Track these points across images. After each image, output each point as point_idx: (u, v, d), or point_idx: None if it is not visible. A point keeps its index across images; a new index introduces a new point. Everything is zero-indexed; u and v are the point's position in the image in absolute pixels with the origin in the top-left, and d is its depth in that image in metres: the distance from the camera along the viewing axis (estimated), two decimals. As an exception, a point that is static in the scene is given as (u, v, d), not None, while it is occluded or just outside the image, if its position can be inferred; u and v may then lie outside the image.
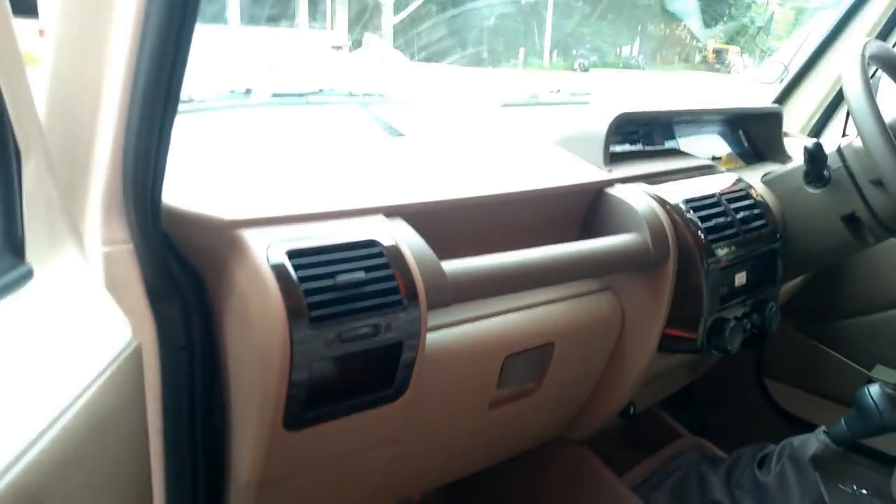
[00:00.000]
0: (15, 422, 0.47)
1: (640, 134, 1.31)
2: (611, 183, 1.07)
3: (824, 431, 1.09)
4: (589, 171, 1.09)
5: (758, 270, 1.18)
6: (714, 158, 1.49)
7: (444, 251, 0.82)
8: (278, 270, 0.68)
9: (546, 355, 0.98)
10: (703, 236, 1.04)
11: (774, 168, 1.46)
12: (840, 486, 1.80)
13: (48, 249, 0.65)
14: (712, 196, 1.13)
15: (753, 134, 1.61)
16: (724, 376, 2.01)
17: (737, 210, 1.15)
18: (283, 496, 0.79)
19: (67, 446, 0.51)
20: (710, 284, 1.04)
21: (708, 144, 1.54)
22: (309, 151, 0.99)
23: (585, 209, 1.08)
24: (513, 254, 0.86)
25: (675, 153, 1.32)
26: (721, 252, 1.07)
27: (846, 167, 1.26)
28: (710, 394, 2.08)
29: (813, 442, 1.08)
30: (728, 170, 1.50)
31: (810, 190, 1.30)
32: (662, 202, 1.05)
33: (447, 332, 0.86)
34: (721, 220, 1.09)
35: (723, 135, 1.61)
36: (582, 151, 1.13)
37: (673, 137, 1.38)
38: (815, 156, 1.24)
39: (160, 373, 0.70)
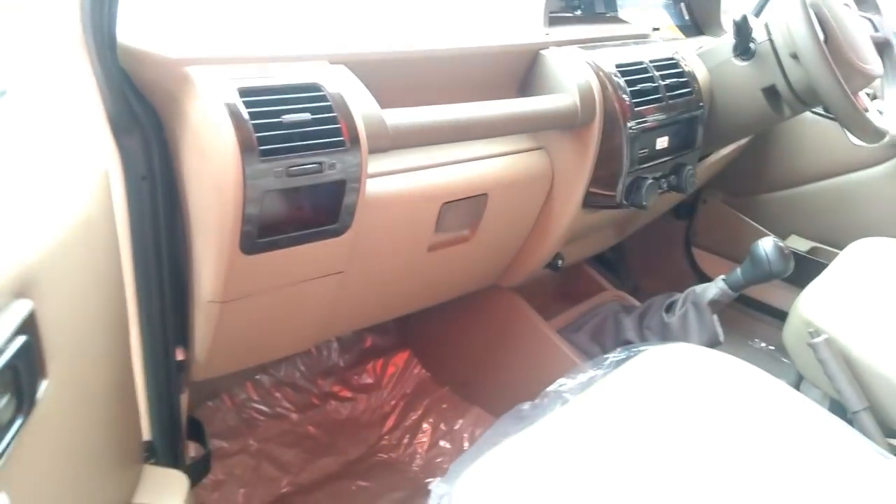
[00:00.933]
0: (8, 212, 0.54)
1: (582, 0, 1.36)
2: (546, 45, 1.14)
3: (722, 279, 1.24)
4: (527, 32, 1.15)
5: (679, 136, 1.29)
6: (654, 29, 1.55)
7: (387, 101, 0.89)
8: (230, 107, 0.74)
9: (480, 205, 1.09)
10: (627, 100, 1.13)
11: (711, 42, 1.54)
12: (749, 342, 2.04)
13: (25, 72, 0.71)
14: (641, 63, 1.20)
15: (694, 7, 1.67)
16: (655, 244, 2.18)
17: (664, 77, 1.23)
18: (241, 315, 0.90)
19: (48, 255, 0.58)
20: (630, 145, 1.14)
21: (650, 15, 1.60)
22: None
23: (523, 69, 1.15)
24: (450, 107, 0.94)
25: (615, 20, 1.38)
26: (644, 116, 1.16)
27: (770, 41, 1.34)
28: (642, 260, 2.26)
29: (712, 288, 1.24)
30: (668, 39, 1.57)
31: (736, 62, 1.39)
32: (593, 67, 1.13)
33: (389, 179, 0.95)
34: (647, 85, 1.18)
35: (665, 7, 1.67)
36: (523, 12, 1.19)
37: (614, 7, 1.43)
38: (741, 28, 1.32)
39: (126, 200, 0.78)
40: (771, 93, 1.37)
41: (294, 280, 0.91)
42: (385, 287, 1.11)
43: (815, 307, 1.20)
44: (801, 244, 1.94)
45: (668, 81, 1.23)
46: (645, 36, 1.35)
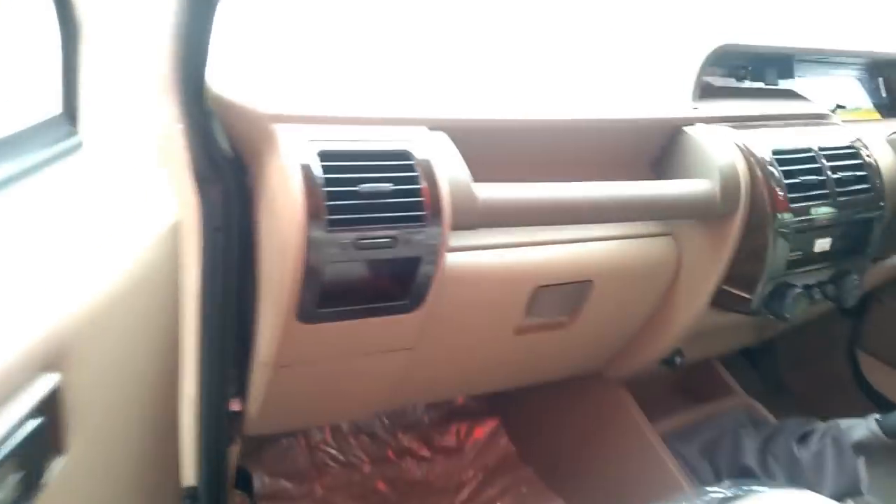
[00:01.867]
0: (51, 278, 0.53)
1: (750, 69, 1.19)
2: (691, 121, 0.99)
3: (877, 419, 1.01)
4: (672, 104, 1.01)
5: (847, 239, 1.08)
6: (838, 107, 1.33)
7: (490, 172, 0.81)
8: (305, 170, 0.70)
9: (583, 291, 0.96)
10: (781, 194, 0.95)
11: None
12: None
13: (101, 123, 0.71)
14: (807, 150, 1.01)
15: (895, 83, 1.42)
16: (813, 339, 1.88)
17: (836, 169, 1.03)
18: (296, 379, 0.85)
19: (98, 305, 0.57)
20: (777, 246, 0.96)
21: (836, 90, 1.37)
22: (370, 48, 0.99)
23: (660, 146, 1.01)
24: (553, 186, 0.83)
25: (786, 95, 1.19)
26: (803, 213, 0.98)
27: None
28: (794, 356, 1.97)
29: (861, 428, 1.01)
30: (854, 121, 1.34)
31: None
32: (744, 150, 0.96)
33: (476, 254, 0.86)
34: (811, 178, 0.99)
35: (859, 81, 1.43)
36: (672, 80, 1.05)
37: (791, 76, 1.24)
38: (950, 118, 1.08)
39: (199, 251, 0.76)
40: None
41: (356, 352, 0.85)
42: (464, 365, 1.02)
43: None
44: None
45: (840, 174, 1.03)
46: (822, 116, 1.15)
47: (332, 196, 0.70)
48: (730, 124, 1.01)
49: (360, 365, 0.88)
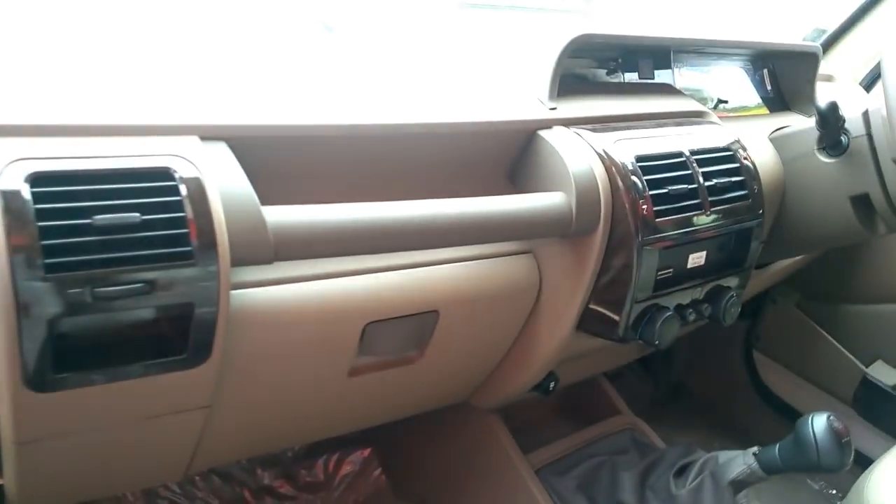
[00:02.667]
0: None
1: (622, 62, 1.08)
2: (548, 124, 0.87)
3: (755, 454, 0.92)
4: (526, 105, 0.89)
5: (723, 252, 0.98)
6: (719, 102, 1.24)
7: (294, 193, 0.66)
8: (9, 198, 0.53)
9: (428, 323, 0.83)
10: (645, 207, 0.84)
11: (799, 121, 1.22)
12: (807, 480, 1.67)
13: None
14: (677, 155, 0.91)
15: (781, 76, 1.35)
16: (710, 341, 1.83)
17: (709, 176, 0.93)
18: (57, 455, 0.68)
19: None
20: (643, 266, 0.85)
21: (719, 83, 1.29)
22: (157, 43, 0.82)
23: (515, 154, 0.89)
24: (370, 206, 0.69)
25: (661, 90, 1.08)
26: (670, 228, 0.87)
27: (869, 137, 1.02)
28: (692, 357, 1.92)
29: (739, 463, 0.92)
30: (737, 117, 1.26)
31: (821, 158, 1.07)
32: (604, 157, 0.85)
33: (283, 290, 0.71)
34: (680, 187, 0.88)
35: (744, 73, 1.35)
36: (528, 78, 0.92)
37: (668, 68, 1.14)
38: (827, 119, 1.00)
39: None
40: (862, 203, 1.05)
41: (134, 417, 0.68)
42: (289, 414, 0.87)
43: None
44: (888, 375, 1.55)
45: (714, 181, 0.93)
46: (698, 114, 1.05)
47: (50, 232, 0.54)
48: (591, 126, 0.89)
49: (146, 430, 0.71)
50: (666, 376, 1.87)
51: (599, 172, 0.84)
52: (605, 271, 0.87)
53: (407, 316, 0.80)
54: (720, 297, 0.98)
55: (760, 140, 1.14)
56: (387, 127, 0.76)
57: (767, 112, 1.35)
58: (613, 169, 0.84)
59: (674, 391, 1.91)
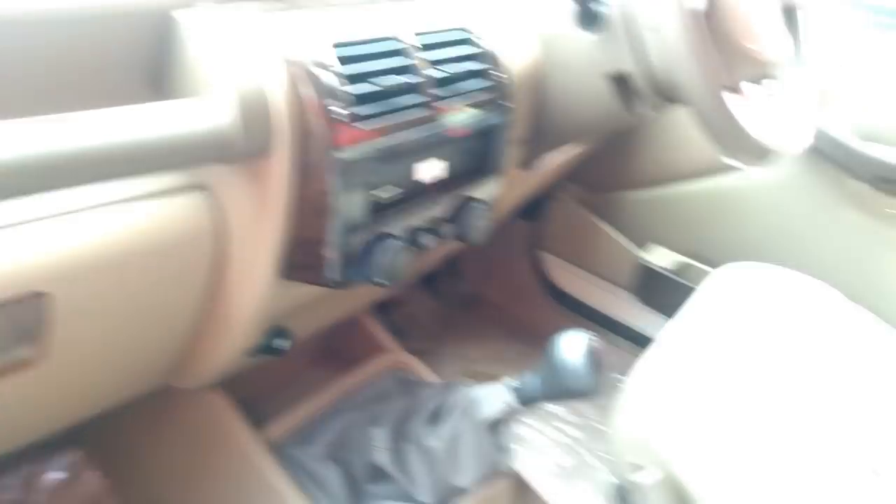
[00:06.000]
0: None
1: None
2: (187, 1, 0.60)
3: (515, 387, 0.80)
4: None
5: (464, 156, 0.81)
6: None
7: None
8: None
9: (31, 312, 0.56)
10: (344, 111, 0.62)
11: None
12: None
13: None
14: (390, 39, 0.69)
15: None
16: (498, 247, 1.74)
17: (437, 64, 0.73)
18: None
19: None
20: (349, 187, 0.64)
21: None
22: None
23: (152, 50, 0.61)
24: None
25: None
26: (384, 135, 0.66)
27: (624, 6, 0.86)
28: (481, 265, 1.82)
29: (496, 400, 0.79)
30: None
31: (578, 33, 0.91)
32: (280, 46, 0.61)
33: None
34: (396, 80, 0.67)
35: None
36: None
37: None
38: (581, -14, 0.83)
39: None
40: (620, 82, 0.91)
41: None
42: None
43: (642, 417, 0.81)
44: (662, 257, 1.54)
45: (445, 71, 0.73)
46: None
47: None
48: (260, 3, 0.64)
49: None
50: (455, 290, 1.77)
51: (273, 69, 0.60)
52: (303, 201, 0.65)
53: (-4, 304, 0.53)
54: (465, 211, 0.81)
55: (514, 15, 0.95)
56: None
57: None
58: (297, 62, 0.61)
59: (467, 303, 1.81)
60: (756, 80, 0.97)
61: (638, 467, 0.77)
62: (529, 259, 1.74)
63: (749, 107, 0.90)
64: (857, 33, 1.37)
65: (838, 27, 1.35)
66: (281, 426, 0.91)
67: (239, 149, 0.58)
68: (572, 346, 0.72)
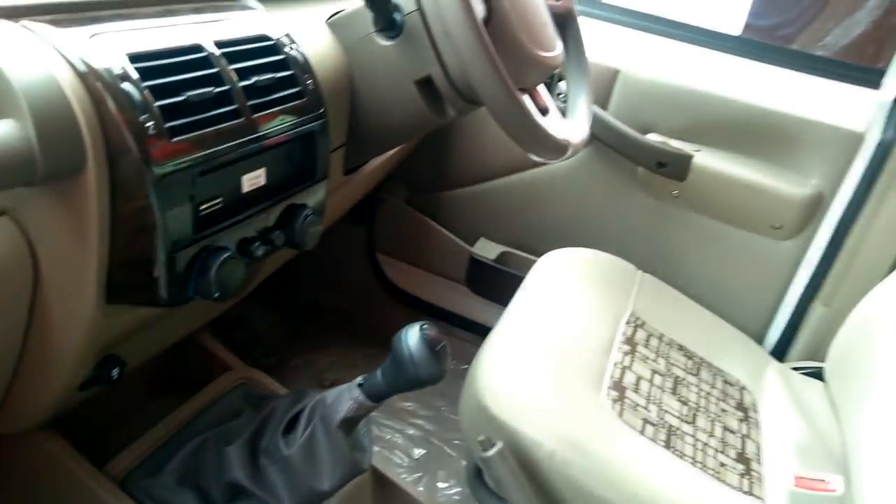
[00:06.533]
0: None
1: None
2: None
3: (359, 384, 0.83)
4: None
5: (286, 164, 0.83)
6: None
7: None
8: None
9: None
10: (150, 125, 0.62)
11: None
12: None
13: None
14: (194, 49, 0.69)
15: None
16: (336, 252, 1.76)
17: (246, 73, 0.74)
18: None
19: None
20: (169, 203, 0.64)
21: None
22: None
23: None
24: None
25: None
26: (198, 147, 0.67)
27: (421, 12, 0.92)
28: (323, 272, 1.83)
29: (346, 399, 0.82)
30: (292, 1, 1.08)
31: (380, 41, 0.95)
32: (74, 61, 0.59)
33: None
34: (204, 91, 0.68)
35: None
36: None
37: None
38: (373, -6, 0.88)
39: None
40: (426, 86, 0.98)
41: None
42: None
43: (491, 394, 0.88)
44: (490, 250, 1.66)
45: (255, 79, 0.75)
46: (229, -1, 0.84)
47: None
48: (50, 18, 0.62)
49: None
50: (295, 300, 1.76)
51: (70, 84, 0.58)
52: (122, 220, 0.63)
53: None
54: (294, 218, 0.83)
55: (317, 27, 0.98)
56: None
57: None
58: (93, 76, 0.59)
59: (309, 312, 1.81)
60: (547, 82, 1.08)
61: (488, 444, 0.83)
62: (366, 262, 1.78)
63: (543, 105, 1.00)
64: (623, 36, 1.56)
65: (605, 31, 1.54)
66: (126, 459, 0.86)
67: (41, 172, 0.56)
68: (410, 337, 0.77)
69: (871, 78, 1.33)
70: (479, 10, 0.85)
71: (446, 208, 1.70)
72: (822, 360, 1.19)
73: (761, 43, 1.55)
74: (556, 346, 1.02)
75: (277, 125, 0.77)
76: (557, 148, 0.92)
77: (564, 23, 1.12)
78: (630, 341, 1.11)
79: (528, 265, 1.30)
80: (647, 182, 1.45)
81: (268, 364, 1.60)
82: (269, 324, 1.66)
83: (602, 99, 1.44)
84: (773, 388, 1.16)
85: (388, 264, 1.79)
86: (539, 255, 1.33)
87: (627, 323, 1.15)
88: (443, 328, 1.73)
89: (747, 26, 2.59)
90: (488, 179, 1.62)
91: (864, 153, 1.24)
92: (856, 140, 1.26)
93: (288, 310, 1.75)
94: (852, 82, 1.37)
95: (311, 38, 0.93)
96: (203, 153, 0.67)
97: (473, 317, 1.72)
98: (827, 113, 1.30)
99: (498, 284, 1.62)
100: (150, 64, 0.63)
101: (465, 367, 1.42)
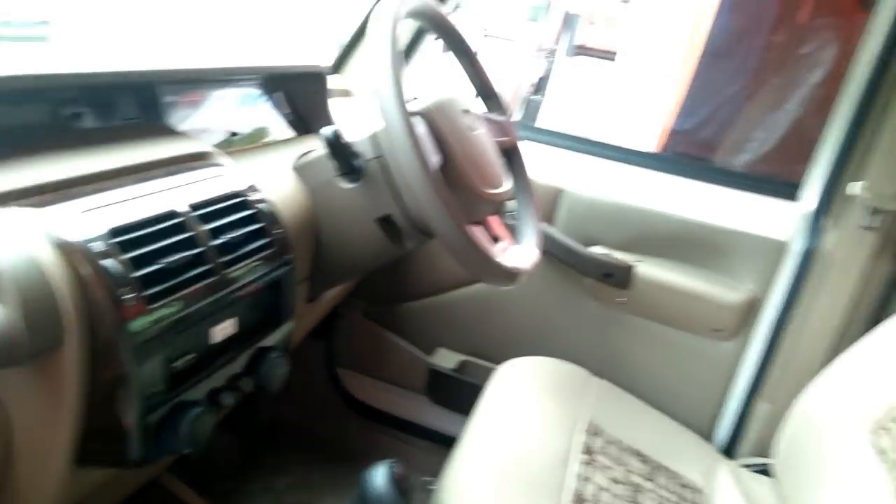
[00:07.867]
0: None
1: (88, 105, 0.85)
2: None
3: None
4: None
5: (255, 311, 0.86)
6: (231, 136, 1.12)
7: None
8: None
9: None
10: (130, 295, 0.65)
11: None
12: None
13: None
14: (169, 216, 0.74)
15: (297, 99, 1.29)
16: (295, 371, 1.76)
17: (218, 232, 0.79)
18: None
19: None
20: (145, 366, 0.67)
21: (235, 113, 1.16)
22: None
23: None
24: None
25: (151, 132, 0.90)
26: (174, 311, 0.70)
27: (379, 159, 1.00)
28: (283, 391, 1.82)
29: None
30: (261, 147, 1.15)
31: (342, 185, 1.02)
32: (59, 241, 0.63)
33: None
34: (179, 256, 0.72)
35: (264, 99, 1.25)
36: None
37: (155, 106, 0.96)
38: (335, 147, 0.95)
39: None
40: (386, 223, 1.04)
41: None
42: None
43: None
44: (448, 359, 1.69)
45: (226, 237, 0.79)
46: (199, 157, 0.90)
47: None
48: (35, 200, 0.66)
49: None
50: (252, 420, 1.74)
51: (53, 263, 0.61)
52: (98, 387, 0.65)
53: None
54: (263, 363, 0.86)
55: (283, 172, 1.05)
56: None
57: (296, 135, 1.28)
58: (77, 255, 0.63)
59: (267, 431, 1.79)
60: (497, 213, 1.17)
61: None
62: (326, 376, 1.78)
63: (495, 234, 1.08)
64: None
65: (543, 152, 1.66)
66: None
67: (26, 352, 0.58)
68: (377, 478, 0.79)
69: (787, 191, 1.46)
70: (434, 160, 0.92)
71: (404, 320, 1.74)
72: (771, 456, 1.24)
73: (687, 160, 1.69)
74: (521, 460, 1.05)
75: (248, 276, 0.81)
76: (509, 276, 0.98)
77: (511, 156, 1.22)
78: (589, 451, 1.15)
79: (487, 373, 1.34)
80: (595, 291, 1.53)
81: (226, 490, 1.56)
82: (225, 448, 1.63)
83: (548, 215, 1.54)
84: (726, 487, 1.20)
85: (348, 377, 1.80)
86: (497, 362, 1.37)
87: (587, 431, 1.19)
88: (403, 439, 1.74)
89: (673, 132, 2.82)
90: (445, 291, 1.67)
91: (791, 260, 1.35)
92: (781, 248, 1.37)
93: (244, 431, 1.72)
94: (771, 195, 1.50)
95: (277, 184, 0.99)
96: (179, 315, 0.70)
97: (434, 426, 1.73)
98: (753, 224, 1.42)
99: (458, 394, 1.65)
100: (130, 236, 0.67)
101: (427, 478, 1.43)
